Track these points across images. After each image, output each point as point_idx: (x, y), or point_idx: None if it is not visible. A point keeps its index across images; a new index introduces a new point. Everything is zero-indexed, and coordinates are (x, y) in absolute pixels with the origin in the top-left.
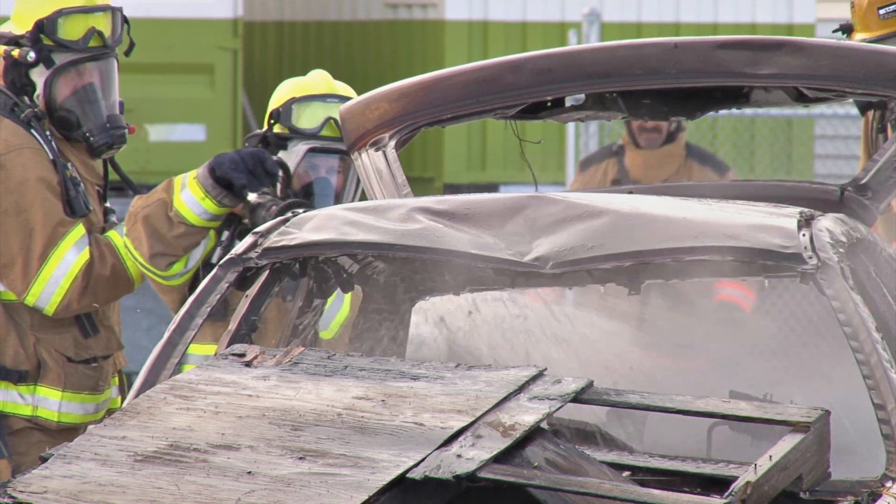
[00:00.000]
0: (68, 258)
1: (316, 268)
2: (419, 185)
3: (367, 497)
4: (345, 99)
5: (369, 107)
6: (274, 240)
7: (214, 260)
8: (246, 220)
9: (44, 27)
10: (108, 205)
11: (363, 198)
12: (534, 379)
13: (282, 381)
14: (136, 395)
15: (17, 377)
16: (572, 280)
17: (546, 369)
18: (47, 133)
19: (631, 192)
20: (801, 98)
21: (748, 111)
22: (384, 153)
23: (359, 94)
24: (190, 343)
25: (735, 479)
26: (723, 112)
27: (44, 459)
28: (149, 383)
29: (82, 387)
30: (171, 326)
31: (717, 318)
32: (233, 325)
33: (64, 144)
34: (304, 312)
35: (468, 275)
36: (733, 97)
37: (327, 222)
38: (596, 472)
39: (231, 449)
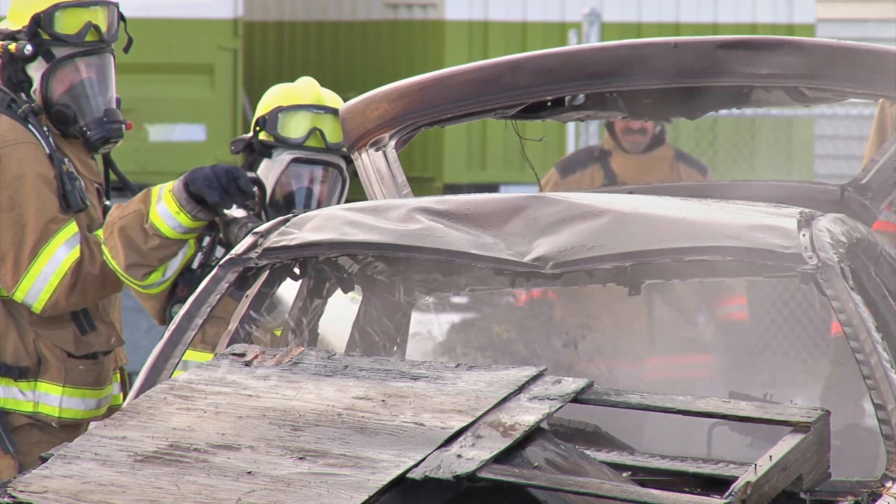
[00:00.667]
0: (59, 255)
1: (316, 268)
2: (419, 185)
3: (367, 497)
4: (331, 109)
5: (369, 107)
6: (274, 240)
7: (195, 266)
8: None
9: (40, 21)
10: (107, 203)
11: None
12: (534, 379)
13: (282, 381)
14: (136, 395)
15: (18, 373)
16: (572, 280)
17: (546, 369)
18: (44, 128)
19: (631, 192)
20: (801, 98)
21: (748, 111)
22: (384, 153)
23: (359, 94)
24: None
25: (735, 479)
26: (723, 112)
27: (44, 459)
28: (149, 383)
29: (83, 382)
30: (171, 326)
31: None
32: (233, 325)
33: (61, 141)
34: (304, 312)
35: (468, 275)
36: (733, 97)
37: (327, 222)
38: (596, 472)
39: (231, 449)
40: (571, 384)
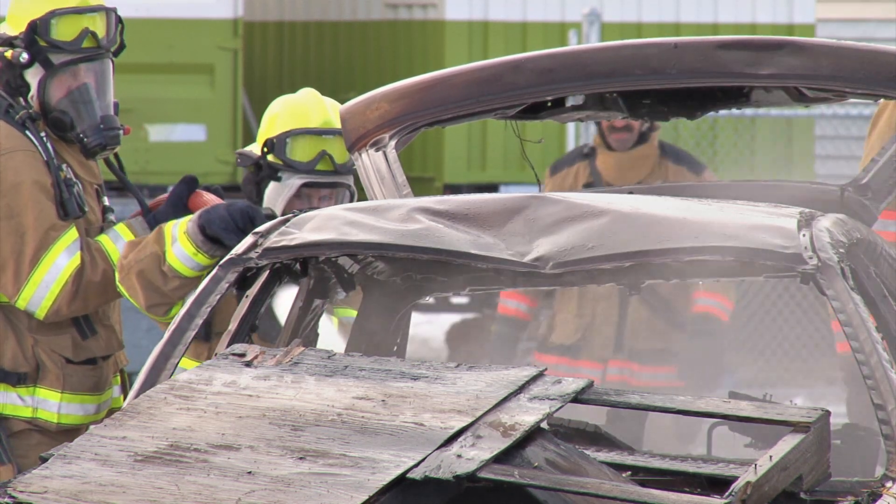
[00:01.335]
0: (59, 262)
1: (316, 268)
2: (419, 185)
3: (367, 497)
4: (339, 131)
5: (369, 107)
6: (274, 240)
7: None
8: None
9: (37, 28)
10: (106, 203)
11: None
12: (534, 379)
13: (282, 381)
14: (136, 395)
15: (17, 379)
16: (572, 280)
17: (546, 369)
18: (42, 134)
19: (631, 192)
20: (801, 98)
21: (748, 111)
22: (384, 153)
23: (359, 94)
24: (189, 344)
25: (735, 479)
26: (723, 112)
27: (44, 459)
28: (149, 383)
29: (82, 387)
30: (171, 326)
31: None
32: (233, 325)
33: (60, 145)
34: (304, 313)
35: (468, 275)
36: (733, 97)
37: (327, 222)
38: (596, 472)
39: (231, 449)
40: (571, 384)
